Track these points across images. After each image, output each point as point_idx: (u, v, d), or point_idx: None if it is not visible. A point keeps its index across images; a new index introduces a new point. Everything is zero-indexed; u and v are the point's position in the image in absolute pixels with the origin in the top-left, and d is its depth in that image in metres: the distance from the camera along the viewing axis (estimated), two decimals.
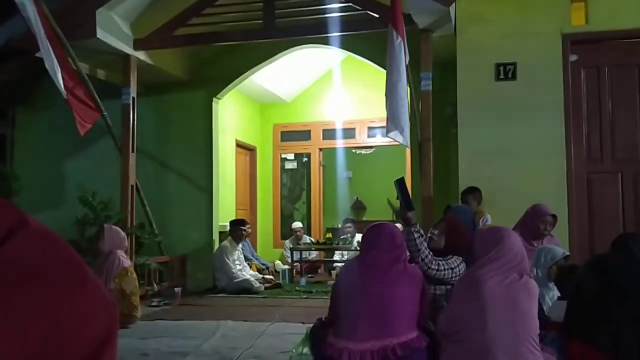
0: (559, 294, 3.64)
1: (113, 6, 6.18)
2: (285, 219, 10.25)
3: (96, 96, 6.13)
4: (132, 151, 6.74)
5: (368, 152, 11.58)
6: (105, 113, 6.36)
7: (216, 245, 7.73)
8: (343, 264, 7.38)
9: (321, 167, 10.48)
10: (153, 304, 6.23)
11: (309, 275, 8.65)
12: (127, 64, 6.67)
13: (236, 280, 7.22)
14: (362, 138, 10.03)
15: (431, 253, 3.30)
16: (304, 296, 6.88)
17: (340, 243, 8.66)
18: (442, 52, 6.05)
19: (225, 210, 8.31)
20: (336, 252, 8.88)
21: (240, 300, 6.69)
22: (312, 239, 9.45)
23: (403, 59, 5.12)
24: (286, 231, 9.94)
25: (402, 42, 5.11)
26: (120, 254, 5.25)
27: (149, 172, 7.69)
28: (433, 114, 5.99)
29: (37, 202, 7.31)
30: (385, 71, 5.28)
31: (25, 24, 5.25)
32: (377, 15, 5.99)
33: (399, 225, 4.43)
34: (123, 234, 5.50)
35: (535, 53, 5.69)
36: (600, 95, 5.70)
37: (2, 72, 7.06)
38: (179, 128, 7.91)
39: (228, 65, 7.85)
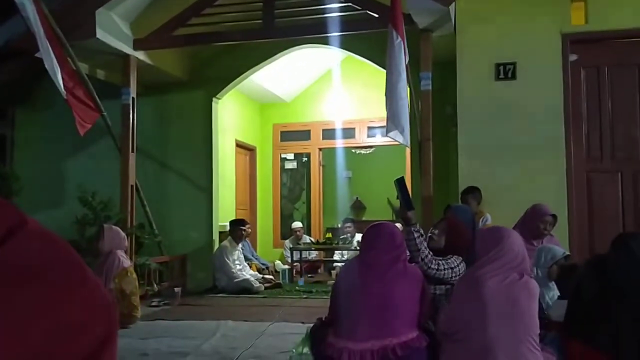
0: (558, 294, 3.64)
1: (113, 6, 6.18)
2: (285, 219, 10.25)
3: (96, 96, 6.13)
4: (132, 151, 6.74)
5: (368, 152, 11.59)
6: (105, 113, 6.36)
7: (216, 245, 7.73)
8: (343, 263, 7.38)
9: (321, 167, 10.48)
10: (153, 304, 6.23)
11: (309, 275, 8.65)
12: (127, 64, 6.67)
13: (236, 280, 7.23)
14: (361, 138, 10.04)
15: (431, 253, 3.30)
16: (304, 296, 6.88)
17: (340, 243, 8.66)
18: (442, 51, 6.05)
19: (225, 210, 8.31)
20: (336, 252, 8.88)
21: (240, 300, 6.69)
22: (312, 239, 9.45)
23: (403, 58, 5.12)
24: (286, 231, 9.94)
25: (402, 42, 5.11)
26: (120, 254, 5.25)
27: (149, 172, 7.69)
28: (433, 113, 5.99)
29: (37, 202, 7.31)
30: (385, 71, 5.28)
31: (25, 24, 5.25)
32: (376, 15, 5.99)
33: (398, 225, 4.43)
34: (123, 234, 5.50)
35: (535, 53, 5.70)
36: (600, 95, 5.70)
37: (1, 72, 7.06)
38: (178, 128, 7.91)
39: (228, 65, 7.85)
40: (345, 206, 11.92)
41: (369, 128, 9.89)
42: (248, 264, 7.90)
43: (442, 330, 2.77)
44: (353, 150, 11.41)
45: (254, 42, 6.94)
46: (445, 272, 3.27)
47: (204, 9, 6.53)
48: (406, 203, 3.39)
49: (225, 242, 7.52)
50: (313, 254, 9.25)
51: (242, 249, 7.84)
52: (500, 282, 2.60)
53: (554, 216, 4.63)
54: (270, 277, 7.91)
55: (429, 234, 3.59)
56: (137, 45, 6.62)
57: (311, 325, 3.18)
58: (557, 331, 2.87)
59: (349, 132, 9.99)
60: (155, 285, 6.68)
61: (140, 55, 6.75)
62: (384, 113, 5.25)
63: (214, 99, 7.96)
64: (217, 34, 6.74)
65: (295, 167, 10.56)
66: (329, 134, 10.12)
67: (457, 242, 3.43)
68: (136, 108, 6.81)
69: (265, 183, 10.15)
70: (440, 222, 3.75)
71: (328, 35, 6.52)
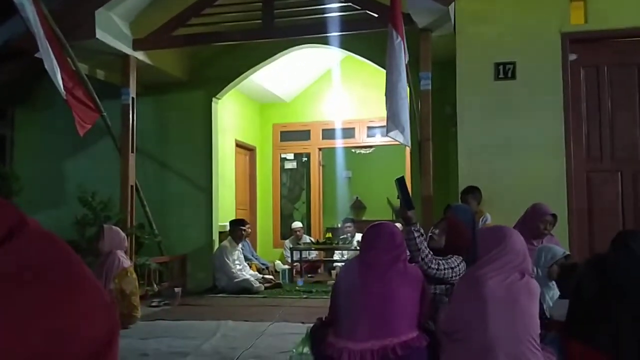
0: (559, 293, 3.64)
1: (112, 6, 6.18)
2: (285, 219, 10.25)
3: (95, 96, 6.13)
4: (132, 151, 6.74)
5: (367, 152, 11.59)
6: (105, 113, 6.36)
7: (216, 245, 7.73)
8: (343, 263, 7.39)
9: (321, 167, 10.48)
10: (153, 304, 6.22)
11: (309, 275, 8.65)
12: (127, 64, 6.67)
13: (236, 280, 7.23)
14: (361, 138, 10.04)
15: (431, 252, 3.30)
16: (304, 296, 6.88)
17: (340, 243, 8.66)
18: (442, 51, 6.06)
19: (225, 210, 8.31)
20: (336, 252, 8.88)
21: (240, 300, 6.69)
22: (312, 239, 9.45)
23: (403, 58, 5.12)
24: (286, 231, 9.94)
25: (402, 42, 5.11)
26: (120, 254, 5.25)
27: (149, 172, 7.69)
28: (432, 113, 5.99)
29: (37, 202, 7.31)
30: (384, 71, 5.28)
31: (25, 25, 5.25)
32: (376, 15, 5.99)
33: (398, 224, 4.43)
34: (123, 234, 5.50)
35: (534, 52, 5.70)
36: (599, 94, 5.70)
37: (1, 72, 7.06)
38: (178, 128, 7.90)
39: (227, 65, 7.85)
40: (345, 206, 11.93)
41: (369, 128, 9.89)
42: (248, 264, 7.91)
43: (442, 329, 2.77)
44: (353, 150, 11.41)
45: (253, 42, 6.94)
46: (446, 271, 3.27)
47: (204, 9, 6.53)
48: (406, 203, 3.39)
49: (225, 242, 7.52)
50: (313, 254, 9.25)
51: (242, 249, 7.84)
52: (501, 282, 2.60)
53: (554, 216, 4.63)
54: (270, 277, 7.91)
55: (430, 234, 3.59)
56: (137, 45, 6.62)
57: (311, 325, 3.18)
58: (558, 331, 2.87)
59: (348, 132, 9.99)
60: (155, 286, 6.68)
61: (140, 55, 6.75)
62: (383, 113, 5.25)
63: (213, 99, 7.95)
64: (217, 34, 6.74)
65: (295, 167, 10.56)
66: (328, 133, 10.12)
67: (457, 241, 3.43)
68: (136, 108, 6.81)
69: (265, 183, 10.15)
70: (441, 221, 3.75)
71: (328, 35, 6.52)
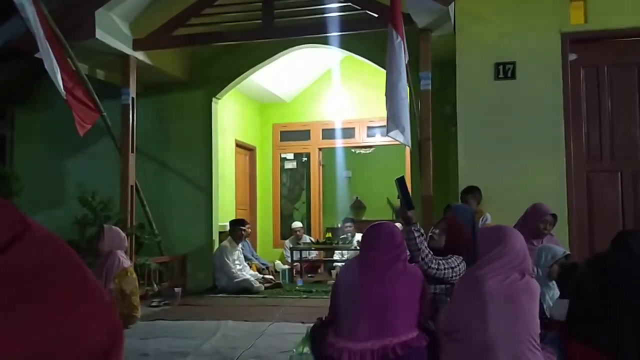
0: (559, 293, 3.64)
1: (112, 6, 6.18)
2: (285, 219, 10.25)
3: (95, 96, 6.13)
4: (132, 151, 6.74)
5: (367, 152, 11.59)
6: (105, 113, 6.36)
7: (216, 245, 7.73)
8: (343, 263, 7.39)
9: (321, 167, 10.48)
10: (153, 304, 6.23)
11: (309, 275, 8.66)
12: (127, 64, 6.67)
13: (236, 280, 7.23)
14: (361, 138, 10.04)
15: (431, 252, 3.30)
16: (304, 296, 6.88)
17: (340, 243, 8.66)
18: (442, 51, 6.06)
19: (225, 210, 8.31)
20: (336, 251, 8.88)
21: (240, 300, 6.69)
22: (312, 239, 9.45)
23: (403, 58, 5.12)
24: (286, 231, 9.94)
25: (401, 42, 5.11)
26: (120, 254, 5.25)
27: (149, 172, 7.69)
28: (432, 113, 5.99)
29: (37, 202, 7.32)
30: (384, 71, 5.28)
31: (25, 25, 5.25)
32: (376, 15, 5.99)
33: (398, 224, 4.44)
34: (123, 234, 5.50)
35: (534, 52, 5.70)
36: (599, 94, 5.70)
37: (1, 72, 7.06)
38: (178, 128, 7.90)
39: (227, 65, 7.85)
40: (345, 206, 11.93)
41: (369, 128, 9.89)
42: (248, 264, 7.91)
43: (442, 329, 2.77)
44: (353, 150, 11.42)
45: (253, 42, 6.94)
46: (446, 271, 3.27)
47: (204, 9, 6.53)
48: (406, 202, 3.39)
49: (225, 242, 7.52)
50: (313, 254, 9.25)
51: (242, 249, 7.84)
52: (501, 282, 2.60)
53: (554, 216, 4.64)
54: (270, 277, 7.91)
55: (430, 234, 3.59)
56: (137, 45, 6.62)
57: (311, 325, 3.18)
58: (558, 331, 2.87)
59: (348, 132, 9.99)
60: (155, 286, 6.68)
61: (140, 55, 6.75)
62: (383, 113, 5.25)
63: (213, 99, 7.95)
64: (217, 34, 6.74)
65: (295, 167, 10.56)
66: (328, 133, 10.12)
67: (457, 241, 3.43)
68: (136, 108, 6.81)
69: (265, 183, 10.15)
70: (441, 221, 3.75)
71: (328, 35, 6.52)
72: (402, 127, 5.06)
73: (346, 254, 8.66)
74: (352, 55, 7.85)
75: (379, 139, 9.80)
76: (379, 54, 6.26)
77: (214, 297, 7.01)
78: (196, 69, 7.92)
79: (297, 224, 9.48)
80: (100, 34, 6.08)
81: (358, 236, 8.33)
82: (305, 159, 10.46)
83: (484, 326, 2.53)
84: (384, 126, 5.54)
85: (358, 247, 4.50)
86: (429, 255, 3.26)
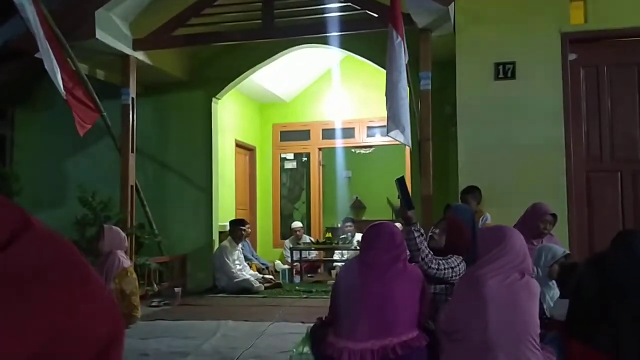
0: (559, 293, 3.64)
1: (112, 7, 6.18)
2: (285, 219, 10.25)
3: (95, 97, 6.13)
4: (132, 151, 6.74)
5: (367, 152, 11.59)
6: (105, 113, 6.36)
7: (216, 245, 7.74)
8: (343, 263, 7.39)
9: (321, 167, 10.48)
10: (153, 304, 6.23)
11: (309, 275, 8.66)
12: (127, 65, 6.67)
13: (236, 280, 7.23)
14: (361, 137, 10.04)
15: (431, 252, 3.30)
16: (304, 296, 6.88)
17: (340, 243, 8.66)
18: (441, 51, 6.06)
19: (225, 210, 8.31)
20: (336, 251, 8.88)
21: (240, 300, 6.69)
22: (312, 239, 9.45)
23: (403, 58, 5.12)
24: (286, 231, 9.94)
25: (401, 42, 5.11)
26: (120, 254, 5.25)
27: (149, 172, 7.69)
28: (432, 113, 5.99)
29: (37, 202, 7.32)
30: (384, 71, 5.28)
31: (25, 25, 5.25)
32: (376, 15, 5.99)
33: (398, 224, 4.44)
34: (123, 234, 5.50)
35: (534, 52, 5.70)
36: (599, 94, 5.70)
37: (1, 72, 7.06)
38: (178, 128, 7.91)
39: (227, 65, 7.85)
40: (345, 206, 11.93)
41: (369, 128, 9.89)
42: (248, 264, 7.91)
43: (442, 329, 2.77)
44: (353, 150, 11.42)
45: (253, 42, 6.94)
46: (446, 271, 3.27)
47: (204, 9, 6.53)
48: (406, 202, 3.39)
49: (225, 242, 7.52)
50: (313, 254, 9.25)
51: (242, 249, 7.84)
52: (501, 282, 2.60)
53: (554, 215, 4.63)
54: (270, 277, 7.92)
55: (430, 234, 3.59)
56: (137, 45, 6.62)
57: (311, 325, 3.18)
58: (558, 331, 2.87)
59: (348, 132, 9.99)
60: (155, 285, 6.68)
61: (140, 55, 6.75)
62: (383, 113, 5.25)
63: (213, 99, 7.96)
64: (217, 34, 6.74)
65: (295, 167, 10.56)
66: (328, 133, 10.12)
67: (457, 241, 3.43)
68: (136, 108, 6.81)
69: (265, 183, 10.15)
70: (441, 221, 3.75)
71: (327, 35, 6.52)
72: (402, 127, 5.06)
73: (346, 254, 8.66)
74: (352, 55, 7.85)
75: (379, 139, 9.80)
76: (379, 54, 6.26)
77: (214, 297, 7.01)
78: (196, 69, 7.92)
79: (297, 224, 9.48)
80: (100, 34, 6.08)
81: (358, 236, 8.33)
82: (305, 159, 10.46)
83: (484, 326, 2.53)
84: (384, 126, 5.55)
85: (358, 247, 4.50)
86: (429, 255, 3.27)
